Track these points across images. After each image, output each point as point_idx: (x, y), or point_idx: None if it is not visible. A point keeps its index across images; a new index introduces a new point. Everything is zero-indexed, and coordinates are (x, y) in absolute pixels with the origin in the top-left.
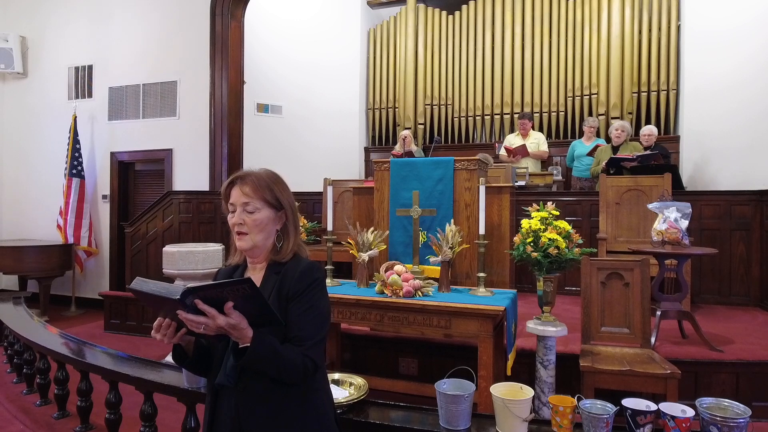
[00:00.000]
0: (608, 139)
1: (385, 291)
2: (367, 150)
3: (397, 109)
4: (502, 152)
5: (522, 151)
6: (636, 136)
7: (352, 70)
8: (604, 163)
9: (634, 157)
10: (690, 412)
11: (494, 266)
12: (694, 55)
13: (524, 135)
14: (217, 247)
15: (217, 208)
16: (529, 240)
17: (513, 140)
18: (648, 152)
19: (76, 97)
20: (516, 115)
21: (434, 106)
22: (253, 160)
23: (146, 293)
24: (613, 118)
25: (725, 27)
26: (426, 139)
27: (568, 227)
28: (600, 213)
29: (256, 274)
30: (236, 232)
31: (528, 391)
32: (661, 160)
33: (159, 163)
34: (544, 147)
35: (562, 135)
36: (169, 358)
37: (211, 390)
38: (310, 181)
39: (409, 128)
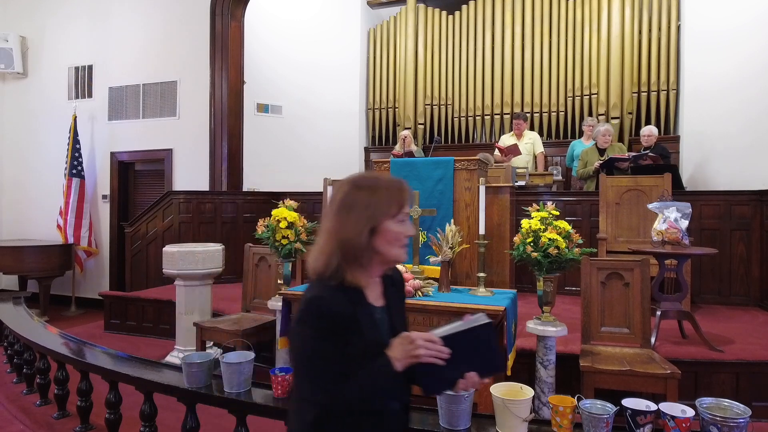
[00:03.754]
0: None
1: None
2: (367, 150)
3: (397, 109)
4: (496, 153)
5: (514, 151)
6: (636, 136)
7: (352, 70)
8: (597, 164)
9: (629, 157)
10: (690, 412)
11: (494, 266)
12: (694, 55)
13: (518, 135)
14: (217, 247)
15: (217, 207)
16: (529, 240)
17: (507, 140)
18: (642, 152)
19: (76, 97)
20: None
21: (434, 106)
22: (253, 160)
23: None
24: (613, 118)
25: (725, 27)
26: (426, 139)
27: (568, 227)
28: (600, 213)
29: (376, 289)
30: (403, 245)
31: (528, 391)
32: (660, 161)
33: (159, 163)
34: (539, 148)
35: (562, 135)
36: (169, 358)
37: (377, 418)
38: (310, 181)
39: (409, 128)
